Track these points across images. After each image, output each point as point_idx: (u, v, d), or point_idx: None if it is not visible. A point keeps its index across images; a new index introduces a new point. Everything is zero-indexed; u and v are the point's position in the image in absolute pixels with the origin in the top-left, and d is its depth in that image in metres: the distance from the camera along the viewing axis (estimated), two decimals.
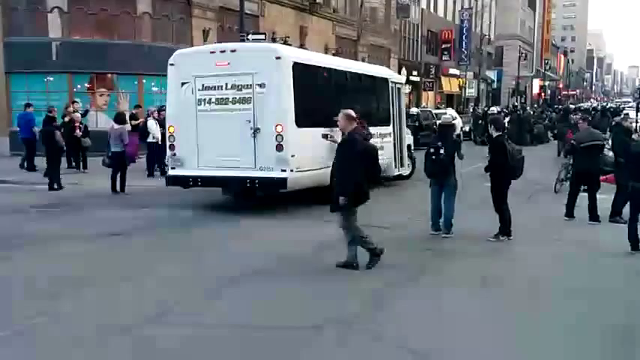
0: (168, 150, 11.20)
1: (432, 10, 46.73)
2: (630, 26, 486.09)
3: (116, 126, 12.98)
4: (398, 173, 14.15)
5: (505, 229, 8.64)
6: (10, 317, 5.46)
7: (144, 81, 21.46)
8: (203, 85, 10.56)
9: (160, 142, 15.65)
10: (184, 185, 11.03)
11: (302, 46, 28.02)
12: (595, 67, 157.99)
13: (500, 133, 8.88)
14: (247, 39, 19.86)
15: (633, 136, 9.04)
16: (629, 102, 65.74)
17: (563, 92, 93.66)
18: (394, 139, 13.88)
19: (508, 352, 4.88)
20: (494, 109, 33.83)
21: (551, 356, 4.80)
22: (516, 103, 41.91)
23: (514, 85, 60.32)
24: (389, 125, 13.72)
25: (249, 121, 10.18)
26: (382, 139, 12.99)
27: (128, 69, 20.75)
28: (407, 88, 24.47)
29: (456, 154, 9.03)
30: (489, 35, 60.27)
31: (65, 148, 12.73)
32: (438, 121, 12.98)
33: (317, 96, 10.77)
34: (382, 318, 5.58)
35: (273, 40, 25.33)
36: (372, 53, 34.19)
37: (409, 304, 6.00)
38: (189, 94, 10.65)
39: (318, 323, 5.34)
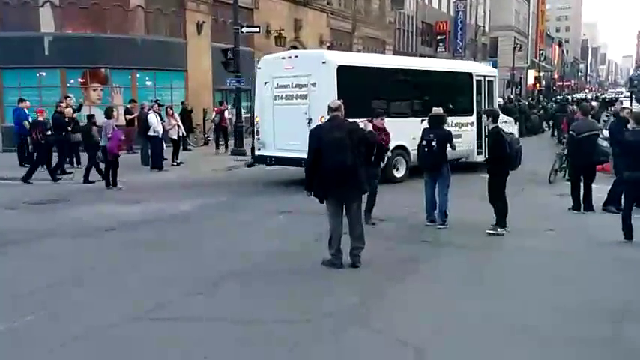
0: (255, 135, 13.97)
1: (426, 1, 46.61)
2: (624, 16, 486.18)
3: (104, 120, 13.03)
4: (483, 160, 15.15)
5: (501, 221, 8.64)
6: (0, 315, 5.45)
7: (137, 75, 21.39)
8: (277, 84, 13.07)
9: (160, 136, 15.66)
10: (265, 163, 13.77)
11: (296, 38, 27.97)
12: (589, 57, 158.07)
13: (496, 124, 8.84)
14: (241, 31, 19.88)
15: (628, 126, 9.01)
16: (623, 92, 65.87)
17: (558, 83, 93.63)
18: (478, 128, 15.18)
19: (505, 344, 4.88)
20: (500, 100, 33.62)
21: (549, 348, 4.81)
22: (511, 95, 41.84)
23: (509, 76, 60.28)
24: (470, 115, 15.16)
25: (305, 113, 12.17)
26: (459, 129, 14.38)
27: (121, 63, 20.67)
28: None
29: (448, 145, 9.02)
30: (484, 26, 60.16)
31: (101, 143, 12.87)
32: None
33: (363, 92, 12.46)
34: (380, 311, 5.58)
35: (268, 33, 25.43)
36: (367, 45, 34.10)
37: (407, 297, 6.01)
38: (269, 91, 13.25)
39: (315, 317, 5.34)
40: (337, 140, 6.64)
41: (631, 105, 31.38)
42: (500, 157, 8.50)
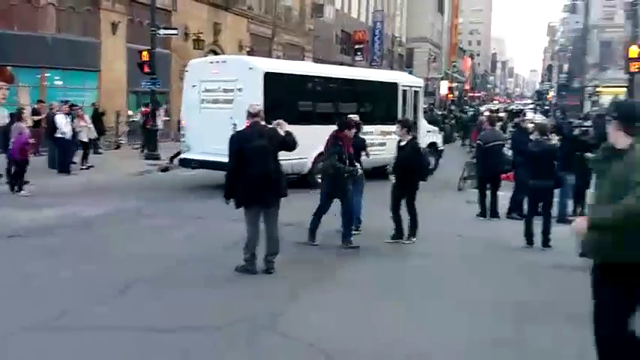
0: (181, 138, 14.15)
1: (345, 10, 47.34)
2: (530, 33, 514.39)
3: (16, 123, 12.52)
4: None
5: (413, 230, 8.67)
6: None
7: (47, 75, 20.48)
8: (205, 88, 13.24)
9: (68, 138, 15.04)
10: (190, 166, 13.78)
11: (215, 42, 27.70)
12: (499, 70, 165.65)
13: (413, 135, 8.87)
14: (158, 33, 19.47)
15: (531, 136, 9.52)
16: (527, 103, 69.60)
17: (470, 94, 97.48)
18: None
19: (413, 347, 5.03)
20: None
21: (454, 348, 5.00)
22: (425, 106, 43.26)
23: (424, 86, 62.04)
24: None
25: (231, 118, 11.87)
26: (384, 137, 14.48)
27: (29, 62, 19.70)
28: None
29: (363, 152, 9.16)
30: (401, 37, 61.78)
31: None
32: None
33: (289, 99, 12.97)
34: (293, 317, 5.61)
35: (186, 35, 25.04)
36: (287, 52, 34.21)
37: (320, 302, 6.06)
38: (196, 95, 13.40)
39: (228, 323, 5.30)
40: (260, 147, 6.70)
41: (534, 116, 33.29)
42: (417, 168, 8.56)
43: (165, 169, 16.44)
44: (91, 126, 16.89)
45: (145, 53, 18.68)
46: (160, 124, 19.77)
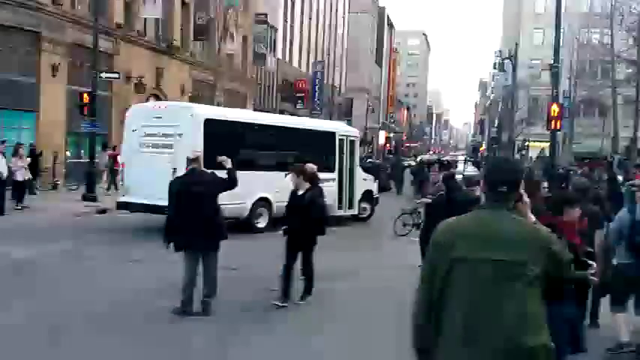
0: (120, 181, 14.39)
1: (287, 59, 48.47)
2: (463, 87, 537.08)
3: None
4: (344, 214, 16.41)
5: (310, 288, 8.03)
6: None
7: None
8: (145, 132, 13.50)
9: (3, 179, 14.77)
10: (129, 209, 13.74)
11: (157, 86, 27.87)
12: (434, 122, 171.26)
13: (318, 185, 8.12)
14: (100, 77, 19.56)
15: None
16: (457, 155, 72.35)
17: (406, 144, 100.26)
18: (339, 184, 16.27)
19: None
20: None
21: None
22: (363, 154, 44.29)
23: (362, 135, 63.60)
24: (332, 172, 15.94)
25: (170, 162, 12.19)
26: (322, 184, 14.63)
27: None
28: None
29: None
30: (340, 87, 63.44)
31: None
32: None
33: (229, 145, 12.61)
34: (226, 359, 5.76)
35: (128, 79, 25.13)
36: (229, 98, 34.62)
37: (254, 344, 6.23)
38: (137, 138, 13.60)
39: None
40: (199, 192, 6.94)
41: (466, 167, 34.83)
42: (316, 220, 7.81)
43: (102, 211, 16.32)
44: (27, 166, 16.62)
45: (85, 95, 18.69)
46: (102, 165, 19.89)
